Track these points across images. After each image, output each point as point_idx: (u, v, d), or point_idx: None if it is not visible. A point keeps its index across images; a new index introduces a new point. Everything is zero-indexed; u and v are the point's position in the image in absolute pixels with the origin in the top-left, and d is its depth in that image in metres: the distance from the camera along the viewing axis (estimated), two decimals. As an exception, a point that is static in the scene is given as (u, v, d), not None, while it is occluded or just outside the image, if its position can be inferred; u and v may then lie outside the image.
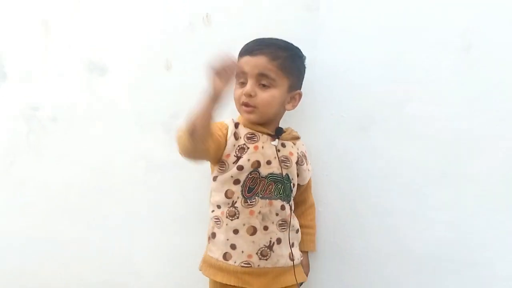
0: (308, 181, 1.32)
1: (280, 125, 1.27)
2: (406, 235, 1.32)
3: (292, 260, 1.24)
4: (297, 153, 1.26)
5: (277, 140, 1.22)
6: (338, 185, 1.36)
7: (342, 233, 1.38)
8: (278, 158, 1.21)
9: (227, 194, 1.21)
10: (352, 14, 1.28)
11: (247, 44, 1.22)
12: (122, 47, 1.52)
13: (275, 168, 1.21)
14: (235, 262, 1.21)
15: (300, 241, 1.31)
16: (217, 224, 1.24)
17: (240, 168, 1.19)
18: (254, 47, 1.20)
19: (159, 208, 1.57)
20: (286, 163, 1.23)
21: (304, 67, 1.26)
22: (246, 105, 1.19)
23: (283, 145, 1.24)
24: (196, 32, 1.43)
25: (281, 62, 1.18)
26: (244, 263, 1.21)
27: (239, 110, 1.24)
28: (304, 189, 1.32)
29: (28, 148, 1.69)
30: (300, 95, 1.25)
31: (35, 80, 1.64)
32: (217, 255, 1.23)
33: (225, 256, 1.22)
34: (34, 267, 1.75)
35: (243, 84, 1.20)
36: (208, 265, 1.26)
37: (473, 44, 1.19)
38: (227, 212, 1.22)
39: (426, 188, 1.28)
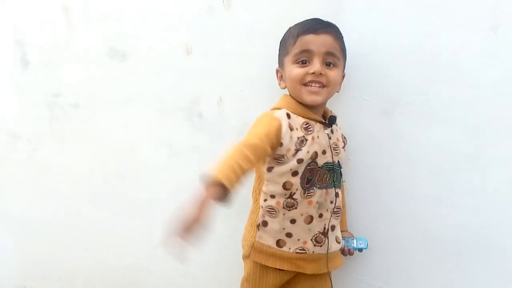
0: None
1: None
2: (431, 221, 1.30)
3: (339, 243, 1.27)
4: (341, 135, 1.27)
5: (328, 128, 1.21)
6: (362, 170, 1.34)
7: (366, 219, 1.37)
8: (331, 147, 1.20)
9: (286, 186, 1.17)
10: (376, -6, 1.25)
11: (304, 23, 1.19)
12: (142, 33, 1.51)
13: (329, 157, 1.20)
14: (289, 249, 1.20)
15: None
16: (271, 213, 1.20)
17: (300, 161, 1.16)
18: (317, 26, 1.16)
19: (180, 193, 1.56)
20: (336, 150, 1.22)
21: None
22: (316, 83, 1.15)
23: (332, 131, 1.23)
24: (216, 16, 1.42)
25: (341, 42, 1.19)
26: (299, 249, 1.20)
27: (298, 91, 1.18)
28: None
29: (51, 135, 1.71)
30: (344, 77, 1.25)
31: (56, 67, 1.65)
32: (270, 242, 1.21)
33: (279, 243, 1.21)
34: (59, 252, 1.79)
35: (304, 63, 1.16)
36: (257, 251, 1.23)
37: (501, 23, 1.15)
38: (285, 203, 1.18)
39: (451, 173, 1.25)
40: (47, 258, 1.81)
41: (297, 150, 1.15)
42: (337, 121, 1.26)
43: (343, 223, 1.34)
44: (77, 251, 1.76)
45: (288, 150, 1.15)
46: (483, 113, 1.20)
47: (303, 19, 1.21)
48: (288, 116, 1.16)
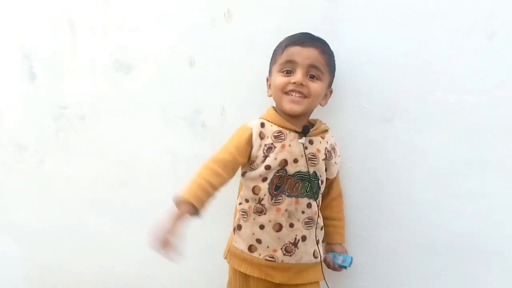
0: (337, 174, 1.32)
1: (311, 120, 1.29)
2: (431, 226, 1.31)
3: (316, 257, 1.26)
4: (326, 148, 1.25)
5: (304, 138, 1.22)
6: (362, 177, 1.36)
7: (366, 225, 1.38)
8: (305, 156, 1.21)
9: (254, 191, 1.23)
10: (373, 3, 1.27)
11: (293, 36, 1.23)
12: (146, 45, 1.54)
13: (302, 166, 1.21)
14: (259, 255, 1.24)
15: (325, 234, 1.32)
16: (243, 217, 1.26)
17: (268, 167, 1.20)
18: (304, 39, 1.20)
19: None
20: (313, 160, 1.22)
21: None
22: (297, 93, 1.19)
23: (311, 142, 1.23)
24: (218, 28, 1.45)
25: (328, 57, 1.21)
26: (269, 257, 1.23)
27: (279, 99, 1.22)
28: (330, 182, 1.32)
29: (58, 146, 1.74)
30: (331, 92, 1.28)
31: (63, 80, 1.68)
32: (242, 246, 1.26)
33: (250, 248, 1.25)
34: (65, 260, 1.81)
35: (287, 73, 1.20)
36: (232, 254, 1.29)
37: (496, 31, 1.17)
38: (254, 207, 1.23)
39: (451, 178, 1.27)
40: (53, 266, 1.84)
41: (265, 157, 1.20)
42: (335, 130, 1.30)
43: (340, 236, 1.34)
44: (83, 259, 1.78)
45: (257, 156, 1.21)
46: (480, 119, 1.22)
47: (302, 30, 1.24)
48: (262, 125, 1.23)
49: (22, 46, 1.72)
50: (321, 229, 1.29)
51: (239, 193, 1.30)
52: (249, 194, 1.24)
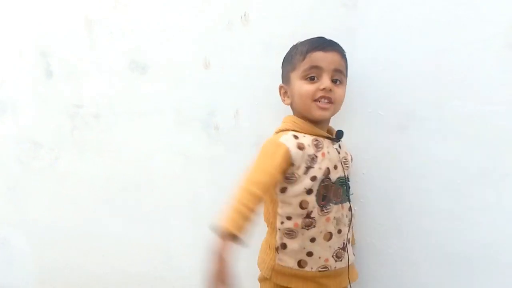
0: None
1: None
2: (444, 236, 1.29)
3: (354, 254, 1.27)
4: (348, 152, 1.28)
5: (337, 143, 1.22)
6: (376, 184, 1.34)
7: (379, 233, 1.36)
8: (341, 161, 1.21)
9: (302, 205, 1.16)
10: (391, 10, 1.26)
11: (310, 41, 1.21)
12: (162, 46, 1.55)
13: (340, 171, 1.20)
14: (311, 268, 1.19)
15: None
16: (289, 235, 1.18)
17: (314, 178, 1.15)
18: (324, 43, 1.19)
19: (196, 203, 1.60)
20: (346, 164, 1.23)
21: None
22: (326, 99, 1.16)
23: (340, 146, 1.24)
24: (234, 31, 1.45)
25: (346, 61, 1.22)
26: (322, 268, 1.19)
27: (307, 107, 1.18)
28: None
29: (72, 144, 1.76)
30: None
31: (79, 79, 1.70)
32: (291, 264, 1.19)
33: (300, 263, 1.19)
34: (77, 259, 1.83)
35: (312, 79, 1.17)
36: (279, 273, 1.21)
37: (516, 41, 1.16)
38: (303, 223, 1.16)
39: (465, 188, 1.25)
40: (65, 264, 1.85)
41: (308, 168, 1.15)
42: (349, 135, 1.27)
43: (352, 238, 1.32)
44: (95, 258, 1.80)
45: (298, 167, 1.14)
46: (498, 129, 1.20)
47: (318, 35, 1.23)
48: (296, 137, 1.16)
49: (40, 45, 1.74)
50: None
51: (271, 211, 1.22)
52: (295, 211, 1.17)
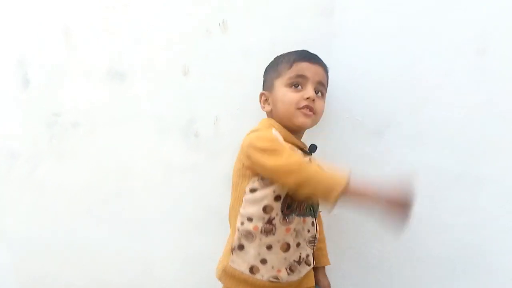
0: None
1: None
2: (423, 239, 1.32)
3: (309, 264, 1.23)
4: None
5: (309, 156, 1.22)
6: (354, 189, 1.36)
7: (358, 237, 1.38)
8: None
9: (266, 209, 1.14)
10: (366, 19, 1.29)
11: (298, 51, 1.23)
12: (141, 54, 1.55)
13: None
14: (262, 276, 1.16)
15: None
16: (247, 238, 1.16)
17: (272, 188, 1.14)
18: (311, 56, 1.22)
19: (177, 211, 1.60)
20: None
21: None
22: (309, 108, 1.17)
23: (310, 160, 1.22)
24: (213, 38, 1.46)
25: (328, 77, 1.24)
26: (273, 278, 1.16)
27: (290, 114, 1.18)
28: None
29: (50, 153, 1.73)
30: None
31: (57, 87, 1.68)
32: (243, 268, 1.17)
33: (252, 270, 1.16)
34: (54, 269, 1.79)
35: (296, 87, 1.19)
36: (229, 275, 1.20)
37: (488, 47, 1.19)
38: (263, 228, 1.14)
39: (442, 192, 1.28)
40: (44, 275, 1.81)
41: None
42: (327, 141, 1.31)
43: (324, 258, 1.32)
44: (75, 269, 1.76)
45: None
46: (471, 134, 1.23)
47: (296, 42, 1.25)
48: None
49: (17, 53, 1.71)
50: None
51: (236, 209, 1.20)
52: (257, 213, 1.14)
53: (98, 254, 1.73)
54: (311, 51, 1.26)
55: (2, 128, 1.80)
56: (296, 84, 1.18)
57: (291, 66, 1.19)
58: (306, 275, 1.24)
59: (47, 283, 1.82)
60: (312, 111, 1.18)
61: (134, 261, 1.68)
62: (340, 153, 1.35)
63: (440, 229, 1.30)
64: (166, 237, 1.63)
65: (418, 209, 1.28)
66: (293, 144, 1.18)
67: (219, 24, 1.44)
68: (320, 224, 1.29)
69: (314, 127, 1.30)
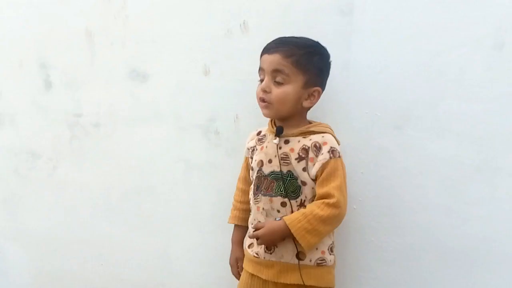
0: (322, 174, 1.20)
1: (309, 121, 1.31)
2: (442, 231, 1.33)
3: (301, 259, 1.23)
4: (301, 147, 1.22)
5: (277, 138, 1.26)
6: (373, 183, 1.38)
7: (378, 231, 1.40)
8: (278, 156, 1.25)
9: (249, 191, 1.35)
10: (385, 17, 1.32)
11: (268, 43, 1.27)
12: (162, 55, 1.59)
13: (275, 166, 1.25)
14: (252, 251, 1.31)
15: None
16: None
17: (252, 169, 1.33)
18: (271, 46, 1.25)
19: (197, 208, 1.62)
20: (285, 160, 1.24)
21: (326, 65, 1.27)
22: (262, 100, 1.25)
23: (287, 142, 1.26)
24: (234, 38, 1.50)
25: (296, 58, 1.20)
26: (255, 253, 1.29)
27: (259, 106, 1.29)
28: (316, 182, 1.22)
29: (71, 153, 1.77)
30: (319, 92, 1.25)
31: (79, 88, 1.72)
32: (246, 244, 1.35)
33: (250, 246, 1.33)
34: (75, 266, 1.82)
35: (261, 81, 1.26)
36: (245, 253, 1.37)
37: (505, 42, 1.22)
38: (249, 206, 1.35)
39: (461, 184, 1.30)
40: (63, 274, 1.84)
41: (251, 159, 1.33)
42: (347, 136, 1.35)
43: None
44: (94, 267, 1.79)
45: (250, 159, 1.35)
46: (490, 126, 1.25)
47: (315, 40, 1.29)
48: (259, 133, 1.36)
49: (40, 56, 1.76)
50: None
51: None
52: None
53: (118, 252, 1.76)
54: (330, 49, 1.29)
55: (23, 130, 1.84)
56: (261, 79, 1.26)
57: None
58: (293, 267, 1.23)
59: (66, 281, 1.84)
60: (265, 101, 1.24)
61: (154, 258, 1.70)
62: (360, 148, 1.37)
63: (459, 222, 1.31)
64: (186, 234, 1.65)
65: (437, 201, 1.33)
66: (269, 130, 1.32)
67: (240, 25, 1.48)
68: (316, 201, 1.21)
69: (335, 122, 1.34)
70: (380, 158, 1.37)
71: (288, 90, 1.21)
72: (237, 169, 1.48)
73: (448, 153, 1.30)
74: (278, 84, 1.22)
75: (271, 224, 1.21)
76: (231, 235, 1.44)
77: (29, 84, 1.80)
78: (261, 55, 1.26)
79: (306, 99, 1.25)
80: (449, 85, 1.28)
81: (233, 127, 1.54)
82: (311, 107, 1.28)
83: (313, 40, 1.27)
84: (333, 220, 1.18)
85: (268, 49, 1.25)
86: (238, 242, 1.42)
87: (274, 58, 1.21)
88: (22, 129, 1.84)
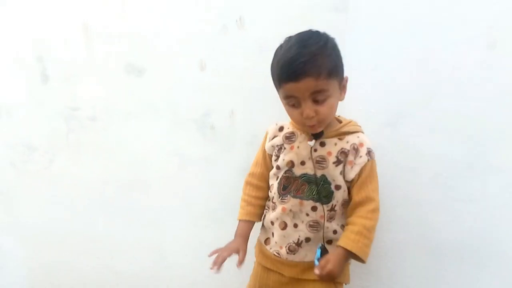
0: (360, 177, 1.19)
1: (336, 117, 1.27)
2: (434, 228, 1.35)
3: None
4: (340, 150, 1.19)
5: (313, 140, 1.21)
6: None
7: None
8: (313, 159, 1.20)
9: (271, 188, 1.30)
10: (379, 14, 1.34)
11: (283, 67, 1.12)
12: (159, 49, 1.59)
13: (308, 169, 1.21)
14: (270, 249, 1.29)
15: None
16: (266, 210, 1.34)
17: (278, 167, 1.26)
18: (295, 72, 1.09)
19: (191, 202, 1.64)
20: (321, 163, 1.20)
21: (339, 50, 1.18)
22: (311, 124, 1.15)
23: (322, 144, 1.21)
24: (229, 34, 1.50)
25: (326, 71, 1.10)
26: (276, 253, 1.28)
27: (302, 126, 1.20)
28: (354, 185, 1.20)
29: (67, 147, 1.77)
30: (347, 79, 1.20)
31: (75, 82, 1.72)
32: (262, 238, 1.34)
33: (266, 241, 1.32)
34: (71, 259, 1.83)
35: (294, 105, 1.15)
36: (257, 245, 1.37)
37: (497, 41, 1.24)
38: (269, 203, 1.31)
39: (453, 181, 1.32)
40: (59, 267, 1.85)
41: (277, 157, 1.26)
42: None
43: (343, 238, 1.19)
44: (89, 260, 1.80)
45: (270, 156, 1.30)
46: (481, 124, 1.27)
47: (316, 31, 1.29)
48: (281, 128, 1.29)
49: (36, 49, 1.76)
50: (334, 233, 1.23)
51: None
52: (269, 191, 1.32)
53: (113, 245, 1.77)
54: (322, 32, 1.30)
55: (21, 122, 1.84)
56: (292, 104, 1.15)
57: (280, 86, 1.15)
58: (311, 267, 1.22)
59: (61, 274, 1.85)
60: (316, 124, 1.15)
61: (148, 250, 1.72)
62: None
63: (451, 218, 1.33)
64: (181, 228, 1.66)
65: (430, 197, 1.34)
66: (298, 129, 1.26)
67: (236, 20, 1.49)
68: (361, 209, 1.19)
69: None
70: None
71: (332, 102, 1.15)
72: (232, 164, 1.50)
73: (440, 150, 1.32)
74: (320, 102, 1.12)
75: (336, 257, 1.14)
76: (236, 229, 1.33)
77: (26, 77, 1.79)
78: (282, 83, 1.13)
79: (341, 93, 1.19)
80: (442, 83, 1.30)
81: (228, 122, 1.55)
82: (343, 100, 1.22)
83: (314, 34, 1.16)
84: (377, 222, 1.20)
85: (293, 77, 1.10)
86: (245, 236, 1.31)
87: (306, 84, 1.09)
88: (18, 122, 1.84)
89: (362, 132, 1.24)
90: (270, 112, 1.41)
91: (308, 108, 1.12)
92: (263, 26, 1.47)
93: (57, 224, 1.83)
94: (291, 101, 1.15)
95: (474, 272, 1.33)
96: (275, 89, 1.27)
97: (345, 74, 1.33)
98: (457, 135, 1.30)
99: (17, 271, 1.94)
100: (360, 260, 1.16)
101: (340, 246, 1.15)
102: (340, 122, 1.26)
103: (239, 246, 1.27)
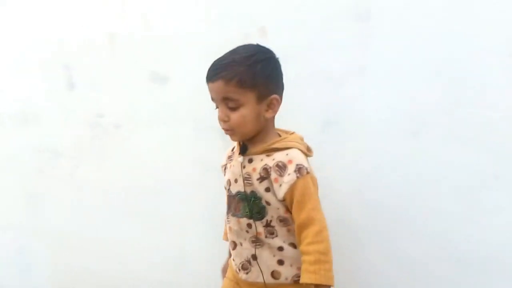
0: (295, 196, 1.11)
1: (278, 133, 1.22)
2: (457, 239, 1.33)
3: (277, 278, 1.17)
4: (263, 167, 1.14)
5: (241, 157, 1.19)
6: (390, 189, 1.39)
7: (394, 236, 1.40)
8: (242, 176, 1.18)
9: None
10: (402, 23, 1.33)
11: (209, 68, 1.18)
12: (182, 58, 1.62)
13: (240, 186, 1.18)
14: (234, 265, 1.25)
15: None
16: None
17: (224, 188, 1.27)
18: (212, 73, 1.15)
19: (213, 210, 1.64)
20: (248, 180, 1.17)
21: (273, 68, 1.18)
22: (225, 130, 1.18)
23: (250, 161, 1.18)
24: (252, 42, 1.51)
25: (238, 79, 1.11)
26: (237, 270, 1.24)
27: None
28: (292, 206, 1.13)
29: (92, 153, 1.81)
30: (276, 99, 1.16)
31: (100, 90, 1.76)
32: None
33: (233, 259, 1.26)
34: (93, 263, 1.86)
35: (216, 107, 1.18)
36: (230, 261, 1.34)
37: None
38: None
39: (478, 192, 1.29)
40: (81, 270, 1.88)
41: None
42: (363, 143, 1.34)
43: (305, 274, 1.10)
44: (113, 265, 1.83)
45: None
46: (506, 134, 1.25)
47: (332, 46, 1.29)
48: (233, 149, 1.28)
49: (63, 57, 1.81)
50: (280, 250, 1.16)
51: None
52: None
53: (136, 251, 1.79)
54: (346, 54, 1.31)
55: (46, 129, 1.89)
56: (216, 107, 1.18)
57: None
58: (272, 287, 1.18)
59: (84, 277, 1.89)
60: (229, 129, 1.16)
61: (170, 257, 1.73)
62: (377, 154, 1.38)
63: (476, 230, 1.31)
64: (202, 236, 1.68)
65: (453, 209, 1.32)
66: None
67: (258, 30, 1.50)
68: (306, 235, 1.11)
69: (353, 129, 1.36)
70: (396, 164, 1.37)
71: (244, 112, 1.13)
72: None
73: (464, 161, 1.30)
74: (232, 109, 1.13)
75: None
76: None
77: (53, 85, 1.84)
78: (206, 81, 1.17)
79: (267, 111, 1.16)
80: (465, 93, 1.28)
81: (250, 130, 1.55)
82: (274, 115, 1.19)
83: (251, 46, 1.19)
84: (329, 240, 1.11)
85: (210, 77, 1.15)
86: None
87: (218, 86, 1.13)
88: (45, 128, 1.89)
89: (298, 148, 1.15)
90: (289, 120, 1.40)
91: (221, 111, 1.16)
92: (286, 35, 1.47)
93: (81, 228, 1.86)
94: (214, 102, 1.18)
95: (499, 284, 1.30)
96: (293, 97, 1.30)
97: (367, 83, 1.34)
98: (481, 145, 1.27)
99: (41, 273, 1.98)
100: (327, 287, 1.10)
101: (304, 283, 1.09)
102: (279, 135, 1.22)
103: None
